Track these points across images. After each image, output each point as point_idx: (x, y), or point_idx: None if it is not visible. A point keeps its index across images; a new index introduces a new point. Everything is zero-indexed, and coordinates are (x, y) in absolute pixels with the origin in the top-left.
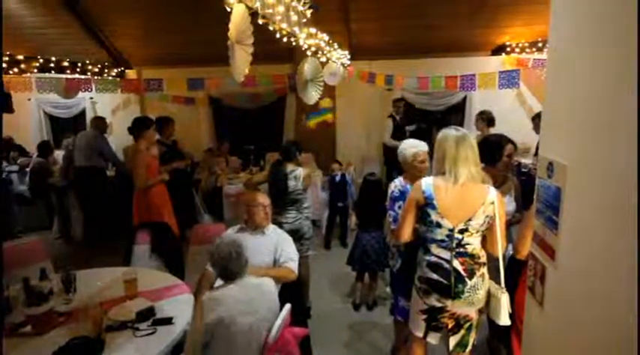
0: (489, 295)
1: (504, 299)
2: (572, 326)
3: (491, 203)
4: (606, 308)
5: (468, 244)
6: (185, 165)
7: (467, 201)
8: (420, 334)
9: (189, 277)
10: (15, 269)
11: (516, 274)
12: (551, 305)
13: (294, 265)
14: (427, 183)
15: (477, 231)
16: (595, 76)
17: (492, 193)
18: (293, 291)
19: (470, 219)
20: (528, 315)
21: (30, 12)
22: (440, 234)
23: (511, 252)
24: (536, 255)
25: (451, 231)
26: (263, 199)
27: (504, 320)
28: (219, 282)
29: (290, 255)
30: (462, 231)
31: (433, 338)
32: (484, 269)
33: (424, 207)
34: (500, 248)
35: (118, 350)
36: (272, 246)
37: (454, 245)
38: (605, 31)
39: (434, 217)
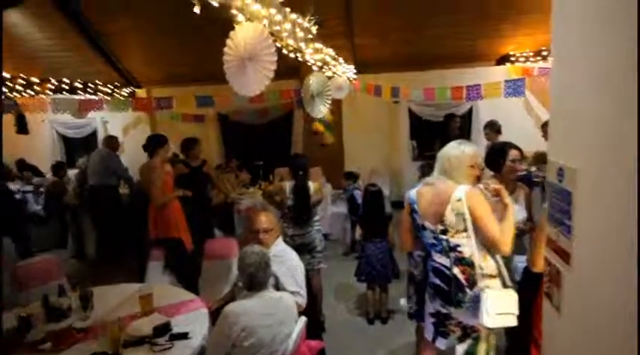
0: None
1: (484, 297)
2: (589, 330)
3: (458, 200)
4: (624, 311)
5: (459, 247)
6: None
7: (437, 200)
8: (429, 337)
9: (203, 292)
10: (31, 287)
11: (532, 286)
12: (568, 310)
13: (300, 300)
14: (413, 190)
15: (457, 231)
16: (601, 78)
17: (459, 190)
18: (307, 304)
19: (443, 218)
20: (546, 321)
21: (42, 35)
22: (429, 238)
23: (524, 264)
24: (551, 260)
25: (434, 232)
26: (259, 224)
27: (482, 319)
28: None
29: (291, 288)
30: (443, 232)
31: (441, 344)
32: (490, 282)
33: (411, 213)
34: (498, 243)
35: None
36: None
37: (447, 248)
38: (608, 32)
39: (419, 221)
